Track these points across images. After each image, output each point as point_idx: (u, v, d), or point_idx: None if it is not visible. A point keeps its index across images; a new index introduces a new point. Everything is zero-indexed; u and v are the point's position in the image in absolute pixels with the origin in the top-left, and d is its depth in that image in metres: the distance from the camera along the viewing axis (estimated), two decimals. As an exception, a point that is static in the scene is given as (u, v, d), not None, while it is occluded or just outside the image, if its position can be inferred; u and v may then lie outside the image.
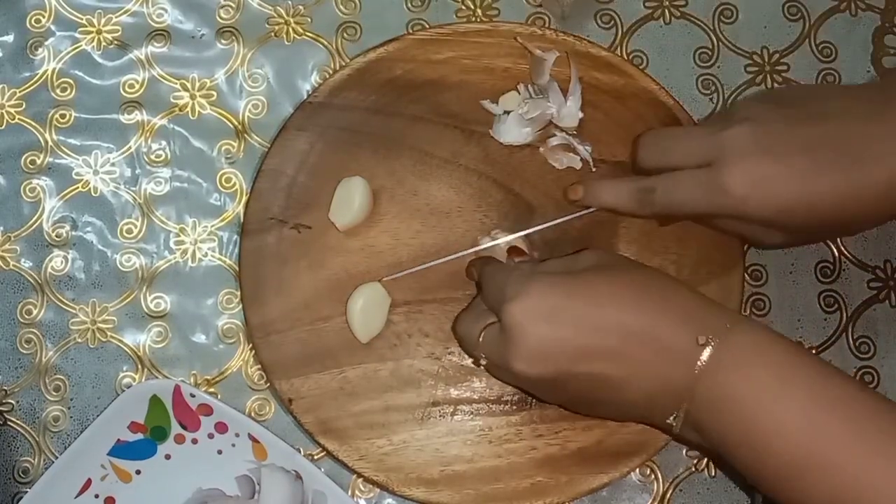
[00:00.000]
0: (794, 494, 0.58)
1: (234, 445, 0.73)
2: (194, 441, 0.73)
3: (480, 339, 0.66)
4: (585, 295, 0.62)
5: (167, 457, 0.73)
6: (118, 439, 0.72)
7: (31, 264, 0.77)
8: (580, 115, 0.76)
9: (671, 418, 0.61)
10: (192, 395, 0.72)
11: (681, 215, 0.71)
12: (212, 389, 0.76)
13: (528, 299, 0.61)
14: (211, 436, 0.73)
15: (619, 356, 0.61)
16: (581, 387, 0.63)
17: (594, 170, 0.77)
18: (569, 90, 0.76)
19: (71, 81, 0.80)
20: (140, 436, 0.73)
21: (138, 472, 0.73)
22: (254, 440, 0.72)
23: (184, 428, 0.73)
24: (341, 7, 0.82)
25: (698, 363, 0.59)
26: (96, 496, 0.72)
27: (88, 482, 0.72)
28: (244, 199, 0.78)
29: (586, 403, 0.67)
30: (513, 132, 0.76)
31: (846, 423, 0.56)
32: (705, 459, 0.76)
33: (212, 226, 0.78)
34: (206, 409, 0.72)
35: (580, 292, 0.62)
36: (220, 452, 0.73)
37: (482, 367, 0.68)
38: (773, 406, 0.57)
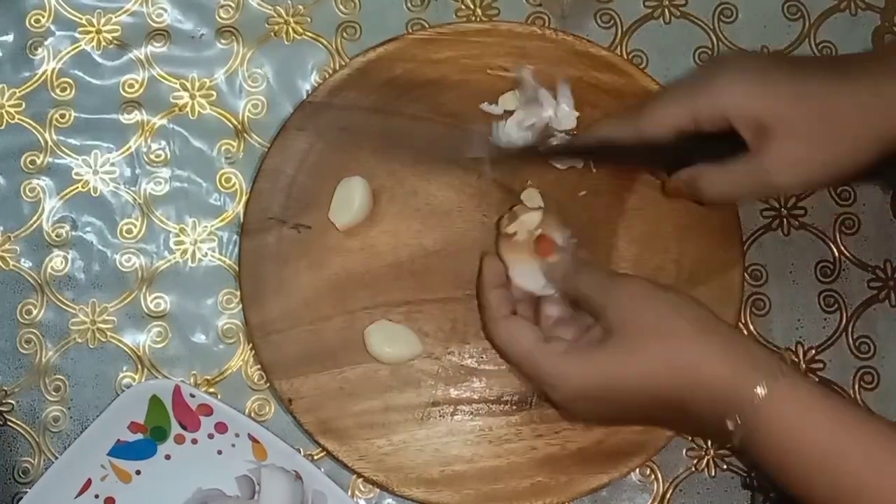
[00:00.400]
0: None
1: (234, 445, 0.73)
2: (194, 441, 0.73)
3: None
4: (613, 382, 0.65)
5: (167, 457, 0.73)
6: (118, 439, 0.72)
7: (31, 264, 0.77)
8: (575, 114, 0.76)
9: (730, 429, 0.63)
10: (192, 395, 0.72)
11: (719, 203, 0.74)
12: (212, 389, 0.76)
13: (564, 389, 0.66)
14: (211, 436, 0.73)
15: (662, 421, 0.69)
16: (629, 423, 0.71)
17: (594, 171, 0.76)
18: (558, 92, 0.76)
19: (71, 81, 0.80)
20: (140, 436, 0.72)
21: (138, 473, 0.73)
22: (254, 440, 0.72)
23: (184, 428, 0.73)
24: (341, 7, 0.82)
25: (733, 437, 0.62)
26: (96, 496, 0.72)
27: (88, 482, 0.72)
28: (244, 198, 0.78)
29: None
30: (512, 138, 0.76)
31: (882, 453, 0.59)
32: (705, 459, 0.76)
33: (212, 226, 0.78)
34: (206, 410, 0.72)
35: (609, 379, 0.65)
36: (220, 452, 0.73)
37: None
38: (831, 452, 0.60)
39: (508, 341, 0.68)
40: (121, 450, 0.72)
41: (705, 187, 0.70)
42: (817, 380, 0.76)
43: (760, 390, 0.60)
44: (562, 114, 0.76)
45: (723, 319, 0.65)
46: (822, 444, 0.59)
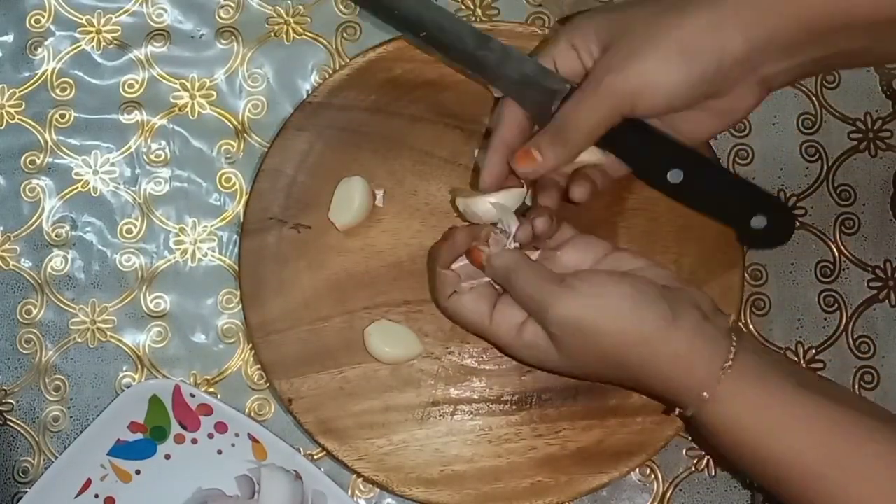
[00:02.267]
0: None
1: (233, 445, 0.73)
2: (194, 441, 0.73)
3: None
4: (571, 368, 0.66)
5: (167, 457, 0.73)
6: (118, 439, 0.72)
7: (30, 264, 0.77)
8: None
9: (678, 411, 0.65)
10: (192, 395, 0.72)
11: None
12: (212, 389, 0.76)
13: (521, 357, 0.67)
14: (211, 436, 0.73)
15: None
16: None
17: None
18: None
19: (71, 81, 0.80)
20: (140, 436, 0.72)
21: (138, 472, 0.73)
22: (254, 440, 0.72)
23: (184, 428, 0.73)
24: (341, 7, 0.82)
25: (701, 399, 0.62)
26: (96, 496, 0.72)
27: (88, 482, 0.72)
28: (244, 198, 0.78)
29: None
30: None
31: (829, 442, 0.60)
32: (705, 459, 0.76)
33: (211, 226, 0.78)
34: (206, 409, 0.72)
35: (565, 365, 0.66)
36: (219, 452, 0.73)
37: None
38: (782, 434, 0.61)
39: (455, 318, 0.69)
40: (121, 449, 0.72)
41: (572, 130, 0.66)
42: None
43: (705, 394, 0.61)
44: None
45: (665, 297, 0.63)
46: (766, 444, 0.61)
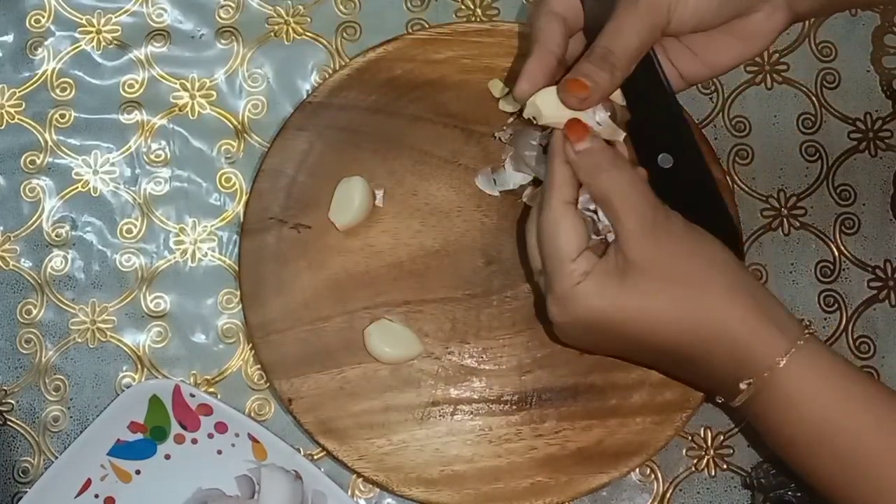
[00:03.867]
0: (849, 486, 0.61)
1: (233, 445, 0.73)
2: (194, 441, 0.73)
3: (535, 276, 0.67)
4: (627, 321, 0.62)
5: (167, 457, 0.73)
6: (118, 439, 0.72)
7: (30, 264, 0.77)
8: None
9: (741, 387, 0.63)
10: (192, 395, 0.72)
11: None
12: (211, 389, 0.76)
13: (571, 310, 0.63)
14: (211, 436, 0.73)
15: (666, 368, 0.68)
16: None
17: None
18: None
19: (71, 81, 0.80)
20: (140, 436, 0.72)
21: (138, 472, 0.73)
22: (254, 440, 0.72)
23: (184, 428, 0.73)
24: (341, 7, 0.82)
25: (740, 397, 0.63)
26: (96, 496, 0.72)
27: (88, 482, 0.72)
28: (244, 198, 0.78)
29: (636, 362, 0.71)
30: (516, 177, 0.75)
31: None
32: (705, 459, 0.76)
33: (211, 226, 0.78)
34: (206, 409, 0.72)
35: (624, 319, 0.62)
36: (219, 452, 0.73)
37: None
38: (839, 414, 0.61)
39: (553, 234, 0.63)
40: (121, 449, 0.72)
41: (618, 52, 0.63)
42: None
43: (781, 357, 0.60)
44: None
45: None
46: (833, 422, 0.60)
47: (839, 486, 0.61)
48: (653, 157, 0.68)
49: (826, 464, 0.61)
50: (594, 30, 0.65)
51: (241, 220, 0.76)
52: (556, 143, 0.64)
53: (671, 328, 0.62)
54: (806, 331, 0.62)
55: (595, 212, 0.64)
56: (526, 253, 0.68)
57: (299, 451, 0.72)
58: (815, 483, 0.63)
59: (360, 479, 0.75)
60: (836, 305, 0.78)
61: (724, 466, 0.76)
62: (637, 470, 0.75)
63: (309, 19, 0.81)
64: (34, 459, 0.75)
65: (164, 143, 0.79)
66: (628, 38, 0.63)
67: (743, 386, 0.61)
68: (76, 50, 0.81)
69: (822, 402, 0.60)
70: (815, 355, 0.61)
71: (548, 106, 0.65)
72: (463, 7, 0.82)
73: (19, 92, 0.80)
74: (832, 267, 0.79)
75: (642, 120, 0.68)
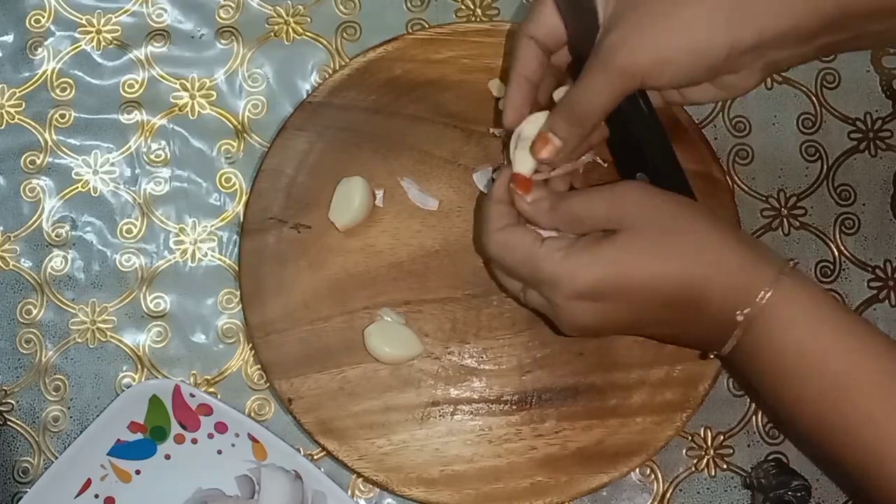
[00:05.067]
0: (826, 415, 0.61)
1: (233, 445, 0.73)
2: (194, 441, 0.73)
3: (524, 297, 0.67)
4: (628, 276, 0.62)
5: (167, 457, 0.73)
6: (118, 439, 0.72)
7: (30, 264, 0.77)
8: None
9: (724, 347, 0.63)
10: (192, 395, 0.72)
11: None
12: (211, 389, 0.76)
13: (570, 286, 0.62)
14: (211, 436, 0.73)
15: (667, 325, 0.65)
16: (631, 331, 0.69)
17: (604, 164, 0.74)
18: None
19: (71, 81, 0.80)
20: (140, 436, 0.72)
21: (138, 472, 0.73)
22: (254, 440, 0.72)
23: (184, 428, 0.73)
24: (341, 7, 0.82)
25: (735, 332, 0.62)
26: (96, 496, 0.72)
27: (88, 482, 0.72)
28: (244, 198, 0.78)
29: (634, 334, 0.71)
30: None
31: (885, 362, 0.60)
32: (705, 459, 0.76)
33: (211, 226, 0.78)
34: (206, 409, 0.72)
35: (624, 273, 0.62)
36: (219, 452, 0.73)
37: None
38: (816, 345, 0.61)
39: (503, 249, 0.65)
40: (121, 449, 0.72)
41: (586, 109, 0.64)
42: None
43: (770, 287, 0.60)
44: None
45: None
46: (826, 352, 0.60)
47: (824, 423, 0.61)
48: (631, 175, 0.69)
49: (811, 394, 0.61)
50: (578, 46, 0.66)
51: (241, 220, 0.76)
52: (495, 188, 0.67)
53: (669, 277, 0.61)
54: (790, 262, 0.62)
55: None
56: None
57: (299, 451, 0.72)
58: (801, 427, 0.63)
59: (360, 479, 0.75)
60: (836, 305, 0.78)
61: (724, 466, 0.76)
62: (637, 470, 0.75)
63: (309, 19, 0.81)
64: (34, 459, 0.75)
65: (164, 143, 0.79)
66: (596, 98, 0.63)
67: (739, 317, 0.61)
68: (76, 50, 0.81)
69: (809, 326, 0.60)
70: (800, 284, 0.61)
71: (531, 129, 0.67)
72: (463, 7, 0.82)
73: (19, 92, 0.80)
74: (832, 267, 0.79)
75: (619, 138, 0.69)
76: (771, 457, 0.75)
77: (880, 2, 0.60)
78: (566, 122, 0.65)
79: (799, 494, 0.71)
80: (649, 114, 0.66)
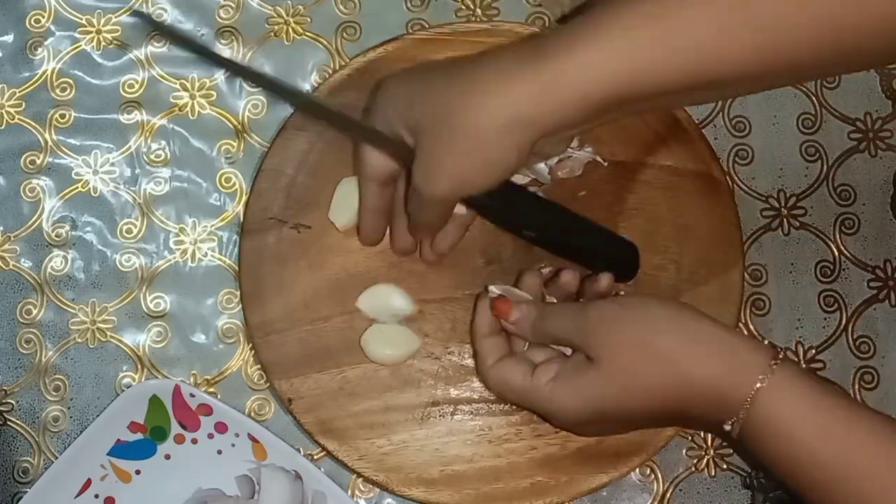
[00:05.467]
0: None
1: (233, 445, 0.73)
2: (194, 441, 0.73)
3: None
4: (614, 409, 0.64)
5: (167, 457, 0.73)
6: (118, 439, 0.72)
7: (30, 264, 0.77)
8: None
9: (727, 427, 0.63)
10: (192, 395, 0.72)
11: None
12: (211, 389, 0.76)
13: (563, 419, 0.66)
14: (211, 436, 0.73)
15: (667, 422, 0.68)
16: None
17: (605, 163, 0.76)
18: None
19: (71, 81, 0.80)
20: (140, 436, 0.72)
21: (138, 472, 0.73)
22: (254, 440, 0.72)
23: (184, 428, 0.73)
24: (341, 7, 0.82)
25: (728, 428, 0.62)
26: (96, 496, 0.72)
27: (88, 482, 0.72)
28: (244, 198, 0.78)
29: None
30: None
31: (875, 447, 0.59)
32: (705, 459, 0.76)
33: (211, 226, 0.78)
34: (206, 409, 0.72)
35: (608, 408, 0.64)
36: (219, 452, 0.73)
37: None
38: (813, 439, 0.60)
39: (500, 386, 0.69)
40: (121, 449, 0.72)
41: (424, 223, 0.71)
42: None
43: (750, 391, 0.60)
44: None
45: (707, 315, 0.63)
46: (815, 447, 0.59)
47: None
48: (518, 233, 0.73)
49: (818, 486, 0.60)
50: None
51: (241, 220, 0.76)
52: (477, 324, 0.70)
53: (645, 403, 0.63)
54: (777, 357, 0.61)
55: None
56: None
57: (299, 451, 0.72)
58: None
59: (360, 479, 0.75)
60: (836, 305, 0.78)
61: (724, 466, 0.76)
62: (637, 470, 0.75)
63: (309, 19, 0.81)
64: (34, 459, 0.75)
65: (164, 143, 0.79)
66: (428, 213, 0.69)
67: (727, 427, 0.61)
68: (76, 50, 0.81)
69: (804, 423, 0.60)
70: (789, 384, 0.60)
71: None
72: (463, 7, 0.82)
73: (19, 92, 0.80)
74: (832, 267, 0.79)
75: (489, 204, 0.70)
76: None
77: (644, 89, 0.60)
78: (417, 234, 0.73)
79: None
80: (531, 204, 0.71)
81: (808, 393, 0.60)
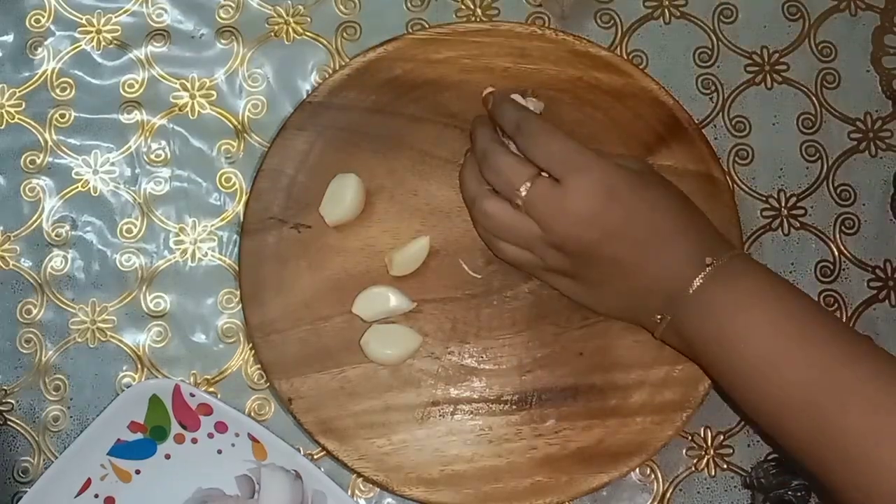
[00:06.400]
0: (754, 391, 0.64)
1: (233, 445, 0.73)
2: (194, 441, 0.73)
3: (524, 189, 0.68)
4: (640, 189, 0.68)
5: (167, 456, 0.73)
6: (118, 439, 0.72)
7: (30, 264, 0.77)
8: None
9: (658, 318, 0.68)
10: (192, 395, 0.72)
11: None
12: (212, 389, 0.76)
13: (596, 173, 0.67)
14: (211, 435, 0.73)
15: (641, 246, 0.67)
16: (597, 263, 0.69)
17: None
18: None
19: (70, 81, 0.80)
20: (140, 435, 0.72)
21: (138, 472, 0.73)
22: (253, 440, 0.72)
23: (184, 428, 0.73)
24: (341, 7, 0.82)
25: (696, 281, 0.65)
26: (96, 496, 0.72)
27: (88, 482, 0.72)
28: (244, 198, 0.78)
29: (592, 281, 0.71)
30: None
31: (803, 330, 0.63)
32: (705, 459, 0.76)
33: (211, 225, 0.78)
34: (206, 409, 0.72)
35: (637, 185, 0.68)
36: (219, 452, 0.73)
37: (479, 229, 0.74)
38: (745, 317, 0.64)
39: (534, 140, 0.69)
40: (121, 449, 0.72)
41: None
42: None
43: (696, 282, 0.65)
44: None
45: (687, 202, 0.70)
46: (757, 348, 0.63)
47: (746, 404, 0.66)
48: None
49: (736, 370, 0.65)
50: None
51: (241, 219, 0.76)
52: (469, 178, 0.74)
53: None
54: (731, 253, 0.67)
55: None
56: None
57: (299, 451, 0.72)
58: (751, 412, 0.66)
59: (360, 479, 0.75)
60: (836, 305, 0.78)
61: (724, 466, 0.76)
62: (637, 470, 0.75)
63: (309, 19, 0.81)
64: (34, 459, 0.75)
65: (164, 142, 0.79)
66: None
67: (708, 261, 0.66)
68: (76, 50, 0.81)
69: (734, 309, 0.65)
70: (739, 275, 0.65)
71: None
72: (463, 7, 0.82)
73: (19, 92, 0.80)
74: (832, 267, 0.79)
75: None
76: (771, 456, 0.75)
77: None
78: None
79: (799, 494, 0.71)
80: None
81: (760, 291, 0.65)
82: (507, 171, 0.69)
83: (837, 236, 0.79)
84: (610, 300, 0.71)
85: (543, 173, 0.68)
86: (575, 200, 0.67)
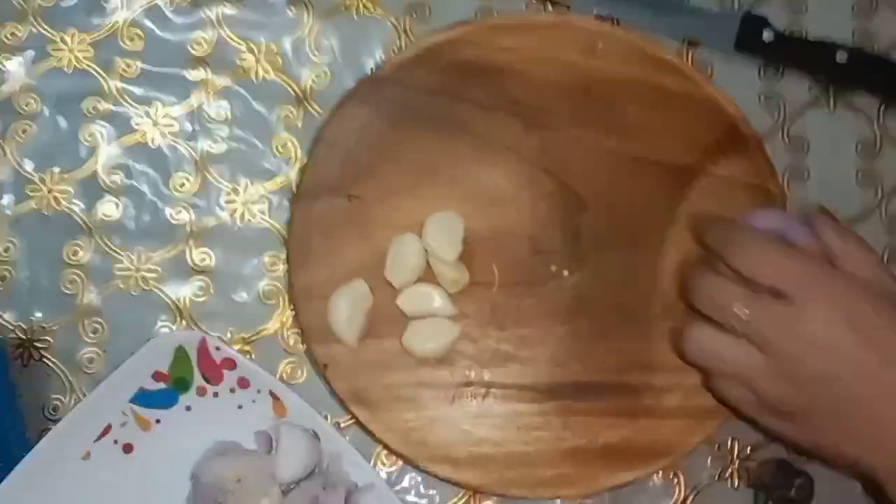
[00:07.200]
0: None
1: (254, 401, 0.73)
2: (216, 394, 0.73)
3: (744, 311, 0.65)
4: (881, 317, 0.64)
5: (188, 408, 0.73)
6: (141, 387, 0.72)
7: (82, 207, 0.78)
8: None
9: None
10: (217, 349, 0.72)
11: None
12: (246, 348, 0.76)
13: (839, 292, 0.64)
14: (232, 390, 0.73)
15: (881, 385, 0.64)
16: (833, 400, 0.65)
17: None
18: None
19: (140, 33, 0.81)
20: (163, 385, 0.72)
21: (158, 422, 0.73)
22: (274, 397, 0.72)
23: (206, 381, 0.73)
24: (414, -13, 0.82)
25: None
26: (115, 442, 0.72)
27: (108, 428, 0.72)
28: (298, 165, 0.79)
29: (819, 417, 0.67)
30: None
31: None
32: (730, 469, 0.75)
33: (264, 188, 0.79)
34: (230, 364, 0.72)
35: (880, 311, 0.64)
36: (240, 407, 0.73)
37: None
38: None
39: (767, 263, 0.67)
40: (143, 398, 0.72)
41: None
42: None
43: None
44: None
45: None
46: None
47: None
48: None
49: None
50: None
51: (294, 185, 0.77)
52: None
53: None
54: None
55: None
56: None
57: (326, 418, 0.72)
58: None
59: (385, 452, 0.75)
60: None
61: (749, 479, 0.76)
62: (660, 473, 0.75)
63: (382, -4, 0.82)
64: (66, 398, 0.75)
65: (225, 102, 0.80)
66: None
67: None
68: (150, 3, 0.81)
69: None
70: None
71: None
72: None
73: (89, 38, 0.81)
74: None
75: None
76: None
77: None
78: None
79: (803, 493, 0.71)
80: None
81: None
82: (719, 292, 0.67)
83: (883, 266, 0.79)
84: (839, 445, 0.67)
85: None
86: (812, 322, 0.64)
